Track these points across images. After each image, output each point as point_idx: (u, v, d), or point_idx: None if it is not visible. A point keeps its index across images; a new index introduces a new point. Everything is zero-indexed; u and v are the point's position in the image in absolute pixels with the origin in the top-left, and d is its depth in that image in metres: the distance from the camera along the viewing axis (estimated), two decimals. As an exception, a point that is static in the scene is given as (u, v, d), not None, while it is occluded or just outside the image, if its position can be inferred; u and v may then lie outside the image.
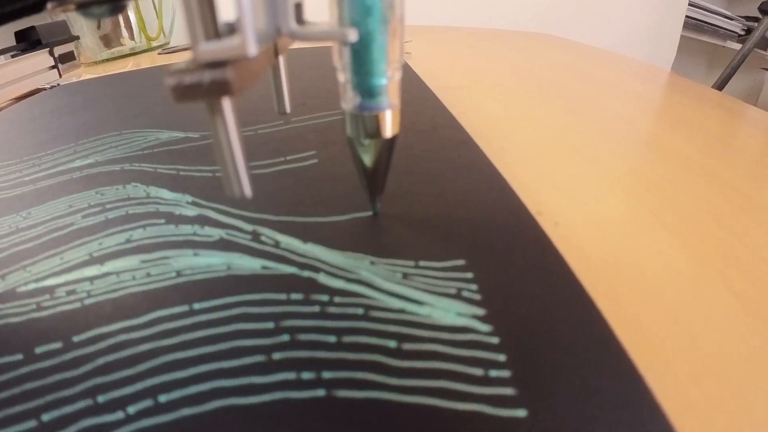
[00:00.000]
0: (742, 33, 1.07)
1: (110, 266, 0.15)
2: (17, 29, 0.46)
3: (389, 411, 0.09)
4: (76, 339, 0.12)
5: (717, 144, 0.23)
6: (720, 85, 0.94)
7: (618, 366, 0.10)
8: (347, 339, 0.11)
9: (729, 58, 0.97)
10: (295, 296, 0.13)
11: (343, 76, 0.13)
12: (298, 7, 0.12)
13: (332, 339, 0.11)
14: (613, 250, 0.15)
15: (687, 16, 0.87)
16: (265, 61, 0.11)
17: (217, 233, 0.16)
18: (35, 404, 0.11)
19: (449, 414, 0.09)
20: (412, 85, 0.31)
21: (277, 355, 0.11)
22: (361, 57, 0.12)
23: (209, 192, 0.19)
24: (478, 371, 0.10)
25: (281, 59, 0.15)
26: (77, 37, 0.50)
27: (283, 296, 0.13)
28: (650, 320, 0.12)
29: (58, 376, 0.11)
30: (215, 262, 0.15)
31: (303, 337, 0.11)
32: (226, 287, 0.13)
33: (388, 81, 0.13)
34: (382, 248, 0.14)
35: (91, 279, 0.15)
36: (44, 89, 0.41)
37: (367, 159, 0.14)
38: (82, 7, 0.12)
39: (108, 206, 0.19)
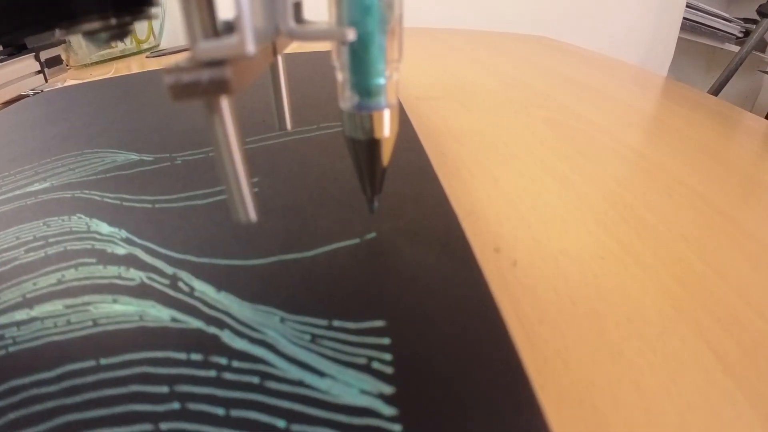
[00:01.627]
0: (740, 35, 1.07)
1: (38, 311, 0.15)
2: None
3: None
4: None
5: (707, 160, 0.22)
6: (718, 88, 0.94)
7: None
8: (235, 413, 0.11)
9: (727, 60, 0.97)
10: (195, 356, 0.12)
11: (342, 76, 0.13)
12: (297, 6, 0.12)
13: (221, 412, 0.11)
14: (576, 297, 0.13)
15: (685, 18, 0.87)
16: (263, 60, 0.11)
17: (138, 276, 0.15)
18: None
19: None
20: None
21: (164, 426, 0.10)
22: (360, 57, 0.12)
23: (144, 226, 0.18)
24: None
25: (280, 59, 0.15)
26: (64, 41, 0.50)
27: (183, 356, 0.12)
28: (607, 385, 0.11)
29: None
30: (129, 310, 0.14)
31: (192, 406, 0.11)
32: (133, 341, 0.13)
33: (386, 81, 0.13)
34: (295, 302, 0.13)
35: (18, 324, 0.14)
36: (28, 95, 0.41)
37: (365, 158, 0.14)
38: (89, 34, 0.12)
39: (51, 240, 0.18)
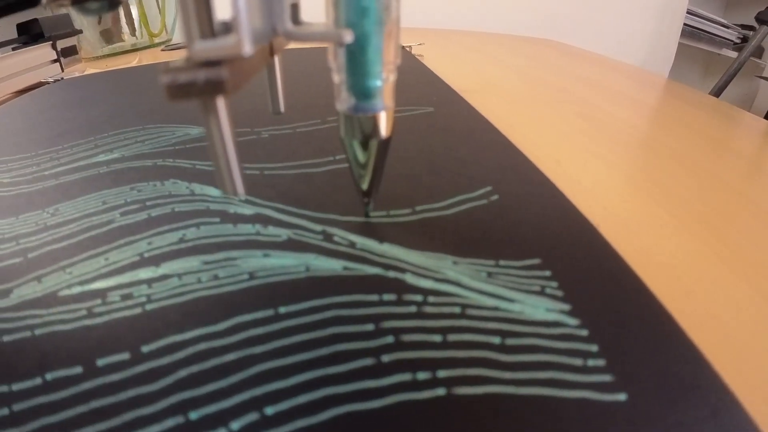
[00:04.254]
0: (738, 41, 1.07)
1: (167, 268, 0.14)
2: (19, 21, 0.45)
3: (509, 404, 0.10)
4: (145, 349, 0.11)
5: (716, 147, 0.24)
6: (717, 92, 0.95)
7: (687, 351, 0.11)
8: (452, 337, 0.11)
9: (724, 65, 0.98)
10: (387, 297, 0.13)
11: (338, 77, 0.13)
12: (294, 8, 0.12)
13: (438, 338, 0.11)
14: (641, 246, 0.16)
15: (684, 24, 0.88)
16: (260, 60, 0.12)
17: (283, 233, 0.15)
18: (111, 424, 0.10)
19: (562, 402, 0.10)
20: (434, 87, 0.31)
21: (385, 358, 0.11)
22: (357, 58, 0.12)
23: (261, 190, 0.18)
24: (577, 361, 0.11)
25: (276, 59, 0.15)
26: (80, 31, 0.50)
27: (374, 297, 0.13)
28: (671, 299, 0.13)
29: (132, 392, 0.10)
30: (290, 263, 0.14)
31: (407, 337, 0.11)
32: (310, 289, 0.13)
33: (382, 83, 0.13)
34: (460, 248, 0.14)
35: (148, 282, 0.14)
36: (47, 83, 0.40)
37: (361, 160, 0.14)
38: (78, 3, 0.12)
39: (148, 203, 0.18)
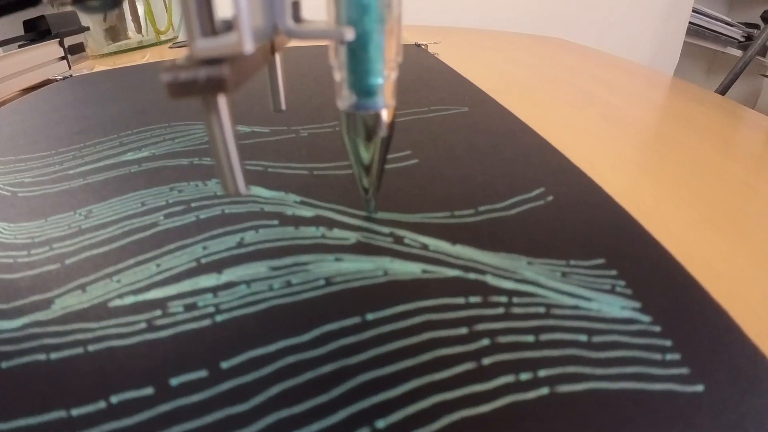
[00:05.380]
0: (742, 39, 1.07)
1: (231, 274, 0.13)
2: (26, 18, 0.45)
3: (607, 399, 0.10)
4: (225, 365, 0.10)
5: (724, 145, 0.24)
6: (722, 91, 0.94)
7: (744, 345, 0.11)
8: (543, 337, 0.12)
9: (729, 63, 0.97)
10: (473, 299, 0.13)
11: (339, 75, 0.13)
12: (296, 5, 0.12)
13: (530, 338, 0.11)
14: (680, 246, 0.16)
15: (689, 22, 0.87)
16: (261, 58, 0.12)
17: (351, 236, 0.15)
18: None
19: (651, 395, 0.10)
20: (463, 87, 0.31)
21: (486, 360, 0.11)
22: (358, 56, 0.12)
23: (316, 191, 0.17)
24: (656, 356, 0.11)
25: (277, 57, 0.15)
26: (87, 28, 0.50)
27: (461, 300, 0.13)
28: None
29: (219, 413, 0.09)
30: (366, 267, 0.14)
31: (502, 339, 0.11)
32: (394, 294, 0.13)
33: (384, 80, 0.13)
34: (531, 249, 0.15)
35: (213, 290, 0.13)
36: (55, 80, 0.40)
37: (363, 158, 0.14)
38: (79, 1, 0.12)
39: (193, 204, 0.17)
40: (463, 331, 0.12)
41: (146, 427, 0.09)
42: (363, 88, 0.13)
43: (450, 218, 0.16)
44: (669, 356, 0.11)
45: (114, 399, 0.10)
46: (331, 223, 0.16)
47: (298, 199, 0.17)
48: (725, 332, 0.12)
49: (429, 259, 0.14)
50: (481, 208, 0.16)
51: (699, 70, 1.28)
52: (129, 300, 0.12)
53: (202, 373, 0.10)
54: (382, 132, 0.14)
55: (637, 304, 0.13)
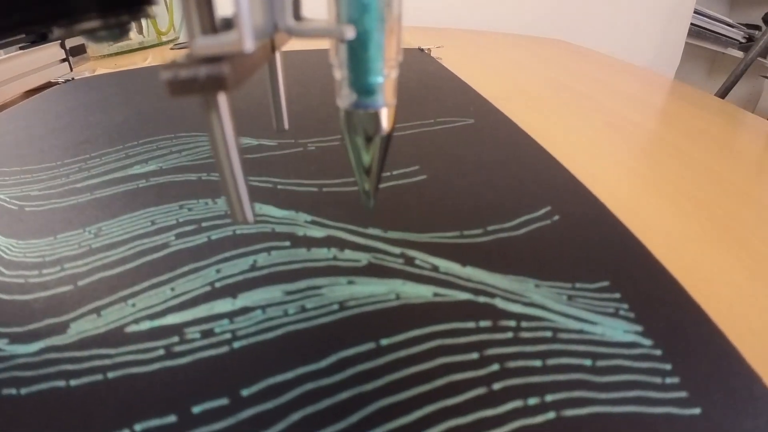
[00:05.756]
0: (743, 41, 1.07)
1: (247, 299, 0.13)
2: None
3: (610, 423, 0.10)
4: (245, 392, 0.11)
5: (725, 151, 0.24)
6: (723, 93, 0.94)
7: (740, 367, 0.12)
8: (550, 361, 0.12)
9: (729, 64, 0.97)
10: (483, 323, 0.13)
11: (340, 74, 0.13)
12: (296, 4, 0.12)
13: (538, 363, 0.12)
14: (683, 262, 0.16)
15: (690, 24, 0.87)
16: (261, 56, 0.11)
17: (362, 257, 0.15)
18: None
19: (651, 418, 0.10)
20: (468, 96, 0.30)
21: (496, 386, 0.11)
22: (358, 55, 0.12)
23: (326, 209, 0.17)
24: (657, 379, 0.11)
25: (278, 56, 0.15)
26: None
27: (471, 324, 0.13)
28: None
29: None
30: (379, 290, 0.14)
31: (511, 364, 0.12)
32: (406, 318, 0.13)
33: (384, 79, 0.13)
34: (538, 271, 0.15)
35: (229, 316, 0.13)
36: (57, 83, 0.39)
37: (362, 157, 0.14)
38: (87, 33, 0.12)
39: (204, 224, 0.16)
40: (474, 356, 0.12)
41: None
42: (363, 87, 0.13)
43: (459, 238, 0.16)
44: (669, 380, 0.11)
45: (138, 427, 0.10)
46: (342, 244, 0.16)
47: (309, 218, 0.17)
48: (723, 356, 0.12)
49: (440, 282, 0.14)
50: (490, 228, 0.17)
51: (700, 72, 1.27)
52: (145, 326, 0.13)
53: (224, 401, 0.10)
54: (382, 131, 0.14)
55: (639, 328, 0.13)
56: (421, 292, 0.14)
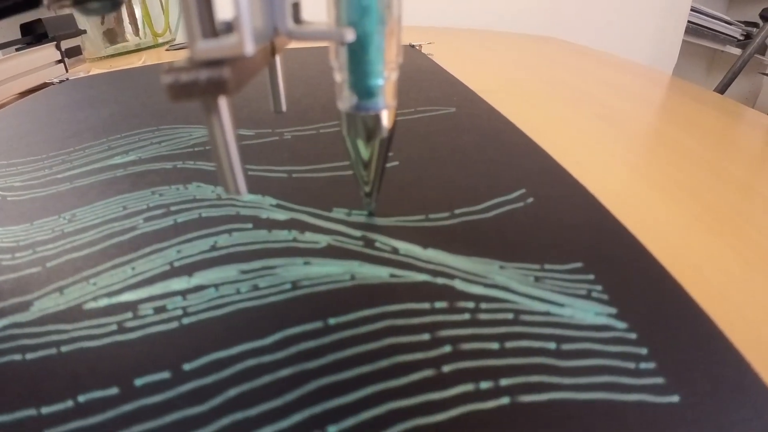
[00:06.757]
0: (741, 38, 1.07)
1: (202, 278, 0.13)
2: (22, 22, 0.45)
3: (572, 410, 0.10)
4: (187, 367, 0.11)
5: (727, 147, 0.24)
6: (721, 90, 0.95)
7: (727, 353, 0.11)
8: (509, 344, 0.11)
9: (728, 62, 0.98)
10: (439, 305, 0.12)
11: (340, 76, 0.13)
12: (296, 7, 0.12)
13: (495, 346, 0.11)
14: (668, 247, 0.16)
15: (688, 21, 0.87)
16: (262, 60, 0.11)
17: (322, 239, 0.15)
18: None
19: (622, 406, 0.10)
20: (453, 88, 0.30)
21: (446, 368, 0.11)
22: (358, 57, 0.12)
23: (292, 193, 0.17)
24: (630, 365, 0.11)
25: (278, 58, 0.15)
26: (84, 31, 0.50)
27: (426, 305, 0.12)
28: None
29: (177, 414, 0.10)
30: (334, 271, 0.13)
31: (465, 346, 0.11)
32: (358, 298, 0.12)
33: (384, 81, 0.13)
34: (505, 252, 0.14)
35: (183, 293, 0.13)
36: (52, 84, 0.40)
37: (363, 159, 0.14)
38: (79, 3, 0.12)
39: (173, 208, 0.17)
40: (425, 337, 0.11)
41: (109, 427, 0.09)
42: (363, 89, 0.13)
43: (424, 221, 0.16)
44: (643, 365, 0.11)
45: (81, 398, 0.10)
46: (304, 227, 0.15)
47: (274, 202, 0.17)
48: (707, 339, 0.11)
49: (398, 263, 0.14)
50: (457, 211, 0.16)
51: (698, 69, 1.28)
52: (103, 302, 0.13)
53: (165, 375, 0.10)
54: (383, 133, 0.14)
55: (613, 310, 0.12)
56: (378, 273, 0.13)
